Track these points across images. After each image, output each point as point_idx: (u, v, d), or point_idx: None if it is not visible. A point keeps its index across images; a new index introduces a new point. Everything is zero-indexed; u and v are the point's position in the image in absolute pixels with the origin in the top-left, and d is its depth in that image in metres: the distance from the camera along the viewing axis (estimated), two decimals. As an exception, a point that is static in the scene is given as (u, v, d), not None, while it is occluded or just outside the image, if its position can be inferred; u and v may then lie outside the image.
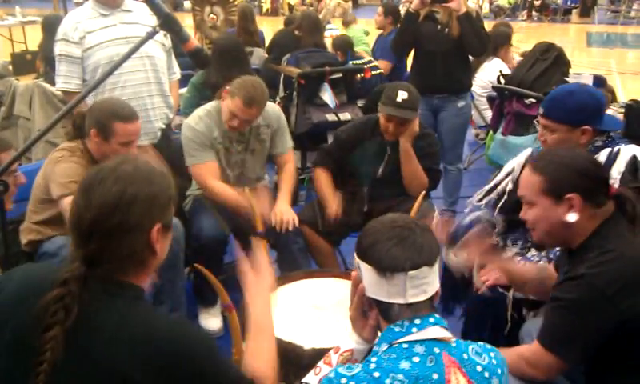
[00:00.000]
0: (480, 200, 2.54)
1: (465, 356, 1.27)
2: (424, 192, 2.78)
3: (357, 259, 1.36)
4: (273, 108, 3.04)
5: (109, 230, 1.17)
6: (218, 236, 2.85)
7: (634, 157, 2.15)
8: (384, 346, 1.27)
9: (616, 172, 2.11)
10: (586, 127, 2.14)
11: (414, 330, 1.26)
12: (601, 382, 1.68)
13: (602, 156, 2.16)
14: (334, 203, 2.97)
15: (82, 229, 1.19)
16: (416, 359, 1.23)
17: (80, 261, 1.18)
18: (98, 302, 1.18)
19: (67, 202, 2.42)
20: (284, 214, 2.84)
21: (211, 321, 3.00)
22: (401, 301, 1.28)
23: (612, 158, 2.15)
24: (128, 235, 1.19)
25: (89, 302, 1.16)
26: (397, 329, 1.27)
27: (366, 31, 6.91)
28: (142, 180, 1.22)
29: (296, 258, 2.86)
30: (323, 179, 3.08)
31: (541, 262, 2.21)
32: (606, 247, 1.60)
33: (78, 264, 1.18)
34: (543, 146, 2.24)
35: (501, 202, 2.48)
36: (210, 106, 2.99)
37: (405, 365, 1.22)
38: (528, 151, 2.50)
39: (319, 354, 1.78)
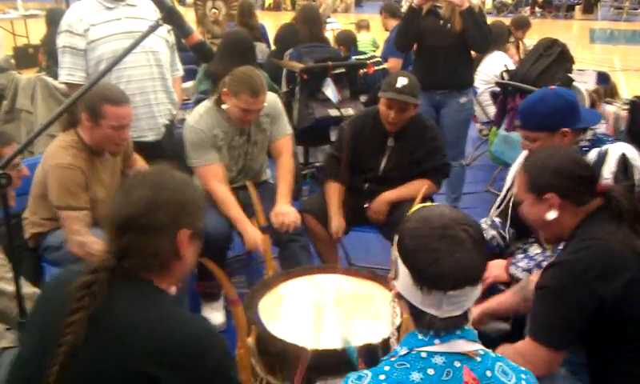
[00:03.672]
0: (498, 216, 2.53)
1: (488, 373, 1.18)
2: (424, 189, 2.78)
3: (395, 253, 1.26)
4: (268, 96, 3.03)
5: (140, 227, 1.29)
6: (222, 232, 2.84)
7: (623, 155, 2.15)
8: (403, 350, 1.21)
9: (607, 172, 2.13)
10: (565, 129, 2.15)
11: (437, 341, 1.19)
12: (604, 373, 1.69)
13: (591, 156, 2.18)
14: (336, 221, 2.98)
15: (117, 224, 1.31)
16: (431, 371, 1.16)
17: (112, 253, 1.29)
18: (122, 293, 1.27)
19: (63, 216, 2.45)
20: (285, 216, 2.83)
21: (214, 315, 3.00)
22: (434, 313, 1.19)
23: (601, 158, 2.16)
24: (156, 234, 1.31)
25: (113, 292, 1.26)
26: (420, 336, 1.21)
27: (375, 42, 6.75)
28: (174, 188, 1.37)
29: (297, 256, 2.85)
30: (332, 192, 3.06)
31: (524, 275, 2.20)
32: (585, 236, 1.66)
33: (110, 256, 1.29)
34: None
35: (509, 211, 2.48)
36: (209, 102, 2.99)
37: (416, 376, 1.16)
38: (523, 154, 2.50)
39: (322, 355, 1.79)
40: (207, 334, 1.30)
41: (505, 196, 2.54)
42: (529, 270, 2.17)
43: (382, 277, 2.32)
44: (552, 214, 1.71)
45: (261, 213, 2.67)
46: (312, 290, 2.29)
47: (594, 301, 1.57)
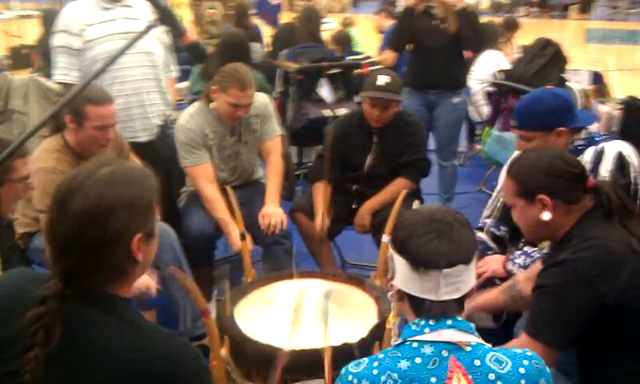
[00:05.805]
0: (488, 216, 2.54)
1: (477, 362, 1.21)
2: (404, 192, 2.79)
3: (390, 250, 1.32)
4: (259, 97, 3.04)
5: (86, 243, 1.10)
6: (205, 230, 2.84)
7: (620, 153, 2.16)
8: (399, 341, 1.27)
9: (604, 170, 2.13)
10: (560, 128, 2.16)
11: (427, 330, 1.24)
12: (594, 372, 1.69)
13: (588, 155, 2.17)
14: (319, 218, 2.98)
15: (58, 243, 1.12)
16: (418, 360, 1.21)
17: (58, 277, 1.11)
18: (82, 317, 1.11)
19: (43, 220, 2.42)
20: (272, 216, 2.84)
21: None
22: (433, 297, 1.24)
23: (598, 157, 2.16)
24: (107, 247, 1.11)
25: (72, 318, 1.10)
26: (413, 327, 1.26)
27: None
28: (119, 186, 1.14)
29: (280, 259, 2.84)
30: (318, 192, 3.06)
31: (515, 270, 2.21)
32: (586, 235, 1.65)
33: (55, 280, 1.10)
34: None
35: (497, 213, 2.49)
36: (199, 102, 3.00)
37: (404, 364, 1.20)
38: (514, 155, 2.51)
39: (298, 355, 1.77)
40: (181, 348, 1.16)
41: (496, 196, 2.55)
42: (525, 266, 2.18)
43: (359, 279, 2.35)
44: (546, 215, 1.69)
45: (240, 220, 2.67)
46: (289, 293, 2.27)
47: (597, 299, 1.57)
